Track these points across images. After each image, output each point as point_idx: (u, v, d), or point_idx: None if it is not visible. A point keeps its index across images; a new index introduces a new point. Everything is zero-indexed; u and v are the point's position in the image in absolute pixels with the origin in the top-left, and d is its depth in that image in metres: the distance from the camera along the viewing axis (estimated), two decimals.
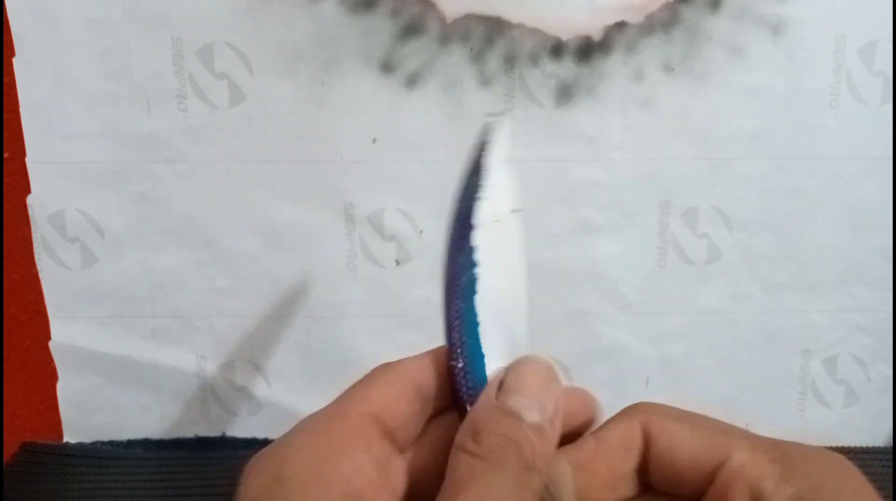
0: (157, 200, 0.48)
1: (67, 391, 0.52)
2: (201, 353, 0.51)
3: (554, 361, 0.25)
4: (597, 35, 0.46)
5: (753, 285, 0.50)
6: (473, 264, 0.24)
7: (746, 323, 0.50)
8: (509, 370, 0.23)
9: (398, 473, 0.23)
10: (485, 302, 0.24)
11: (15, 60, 0.46)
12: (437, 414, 0.25)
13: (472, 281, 0.24)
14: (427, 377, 0.24)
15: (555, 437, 0.22)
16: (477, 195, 0.25)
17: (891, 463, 0.51)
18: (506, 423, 0.22)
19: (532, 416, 0.22)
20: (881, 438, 0.53)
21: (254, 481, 0.21)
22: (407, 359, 0.25)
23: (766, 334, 0.51)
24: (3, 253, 0.48)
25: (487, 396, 0.23)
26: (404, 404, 0.23)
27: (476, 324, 0.24)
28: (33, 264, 0.49)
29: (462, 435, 0.22)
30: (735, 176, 0.48)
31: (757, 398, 0.52)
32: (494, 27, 0.46)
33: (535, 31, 0.46)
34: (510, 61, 0.46)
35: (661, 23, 0.46)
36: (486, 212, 0.25)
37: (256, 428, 0.52)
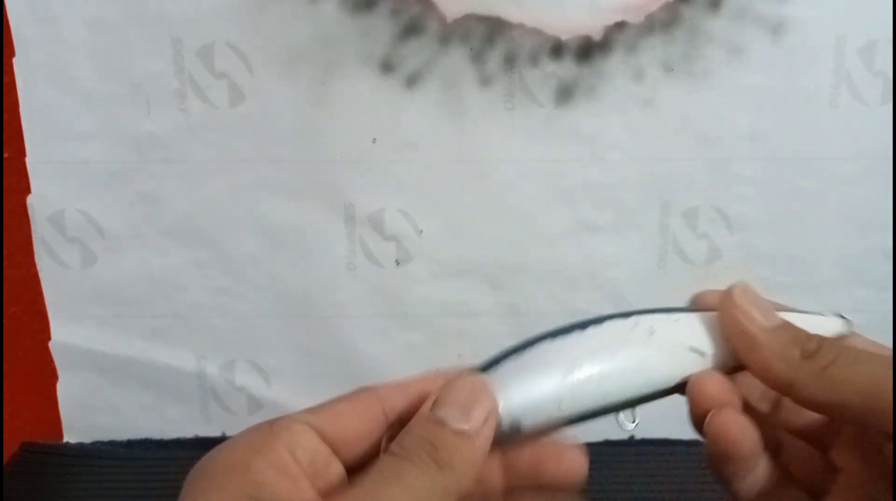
0: (158, 200, 0.48)
1: (67, 390, 0.52)
2: (201, 353, 0.51)
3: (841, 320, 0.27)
4: (597, 35, 0.46)
5: (753, 285, 0.50)
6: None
7: None
8: (444, 386, 0.25)
9: (334, 478, 0.25)
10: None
11: (15, 60, 0.46)
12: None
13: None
14: (399, 402, 0.27)
15: (481, 441, 0.24)
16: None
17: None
18: (429, 428, 0.24)
19: (456, 423, 0.23)
20: None
21: (190, 474, 0.23)
22: (390, 383, 0.27)
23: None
24: (4, 253, 0.48)
25: (423, 409, 0.25)
26: (355, 420, 0.26)
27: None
28: (33, 264, 0.49)
29: (392, 443, 0.24)
30: (735, 176, 0.48)
31: None
32: (494, 27, 0.46)
33: (535, 31, 0.46)
34: (510, 61, 0.46)
35: (662, 23, 0.46)
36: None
37: None
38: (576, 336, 0.26)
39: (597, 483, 0.48)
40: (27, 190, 0.48)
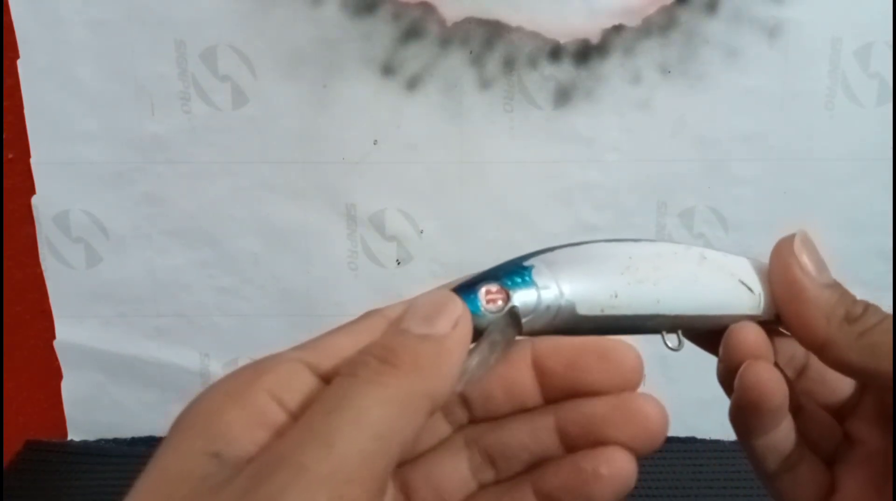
0: (161, 200, 0.49)
1: (72, 389, 0.52)
2: (204, 351, 0.51)
3: None
4: (595, 38, 0.46)
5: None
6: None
7: None
8: (410, 302, 0.23)
9: None
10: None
11: (20, 63, 0.46)
12: None
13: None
14: None
15: (451, 344, 0.21)
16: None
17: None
18: (387, 338, 0.21)
19: (419, 329, 0.21)
20: None
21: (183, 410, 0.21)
22: (400, 303, 0.24)
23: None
24: (9, 253, 0.48)
25: (388, 329, 0.22)
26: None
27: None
28: (38, 264, 0.49)
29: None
30: (731, 177, 0.49)
31: None
32: (494, 31, 0.46)
33: (534, 35, 0.46)
34: (509, 64, 0.46)
35: (658, 26, 0.46)
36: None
37: None
38: (631, 244, 0.26)
39: None
40: (32, 191, 0.48)
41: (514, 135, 0.48)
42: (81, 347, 0.51)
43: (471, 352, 0.22)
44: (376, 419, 0.19)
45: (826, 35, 0.46)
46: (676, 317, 0.25)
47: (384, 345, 0.21)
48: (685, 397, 0.52)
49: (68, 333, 0.51)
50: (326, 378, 0.21)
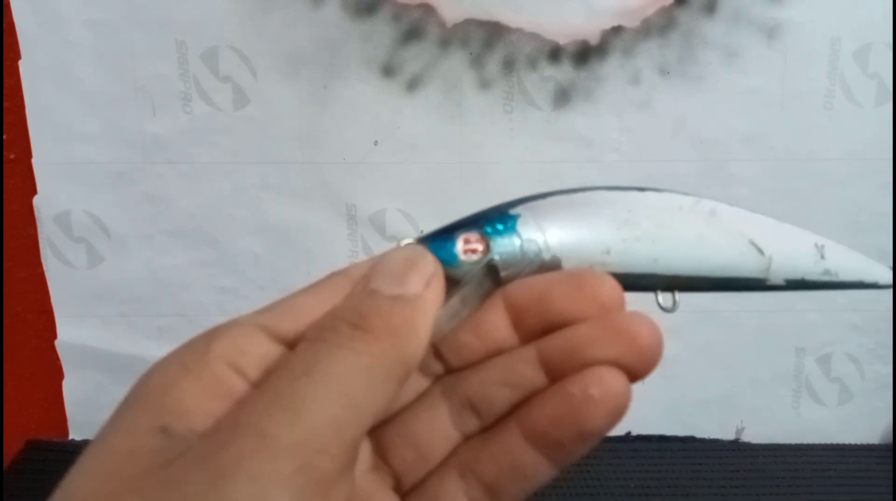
0: (162, 200, 0.49)
1: (73, 389, 0.52)
2: None
3: None
4: (594, 39, 0.46)
5: None
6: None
7: (741, 322, 0.51)
8: (377, 259, 0.22)
9: None
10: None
11: (21, 63, 0.46)
12: None
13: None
14: None
15: (424, 305, 0.20)
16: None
17: (884, 460, 0.51)
18: (355, 300, 0.20)
19: (390, 289, 0.20)
20: (875, 435, 0.53)
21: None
22: (364, 262, 0.22)
23: (761, 332, 0.51)
24: (11, 253, 0.48)
25: (356, 289, 0.21)
26: (321, 311, 0.20)
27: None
28: (39, 264, 0.50)
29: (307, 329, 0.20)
30: (730, 178, 0.49)
31: (752, 397, 0.52)
32: (493, 32, 0.46)
33: (534, 36, 0.46)
34: (509, 65, 0.47)
35: (658, 27, 0.46)
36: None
37: None
38: (634, 194, 0.24)
39: (594, 478, 0.48)
40: (33, 191, 0.48)
41: (514, 135, 0.48)
42: (83, 347, 0.51)
43: (443, 304, 0.21)
44: (349, 387, 0.18)
45: (825, 35, 0.46)
46: (674, 277, 0.24)
47: (354, 308, 0.19)
48: (683, 396, 0.52)
49: (69, 333, 0.51)
50: (287, 343, 0.20)
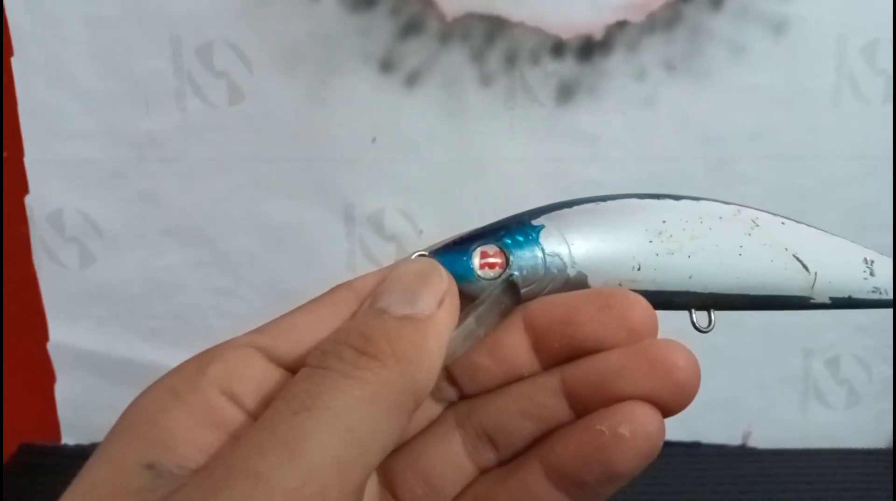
0: (156, 199, 0.48)
1: (66, 391, 0.52)
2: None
3: None
4: (598, 34, 0.46)
5: None
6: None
7: (748, 323, 0.50)
8: (385, 272, 0.20)
9: None
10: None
11: (14, 60, 0.46)
12: None
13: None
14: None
15: (437, 326, 0.18)
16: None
17: (890, 465, 0.51)
18: (362, 321, 0.18)
19: (399, 309, 0.18)
20: (882, 439, 0.53)
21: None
22: (372, 274, 0.20)
23: (767, 334, 0.51)
24: (2, 253, 0.48)
25: (362, 307, 0.19)
26: (324, 330, 0.19)
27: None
28: (31, 265, 0.49)
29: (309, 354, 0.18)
30: (736, 175, 0.48)
31: (759, 399, 0.52)
32: (495, 26, 0.45)
33: (536, 30, 0.46)
34: (511, 60, 0.46)
35: (663, 21, 0.46)
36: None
37: None
38: (668, 202, 0.22)
39: None
40: (25, 190, 0.48)
41: (516, 132, 0.47)
42: (75, 349, 0.51)
43: (457, 324, 0.19)
44: (354, 421, 0.16)
45: (832, 31, 0.46)
46: (710, 295, 0.22)
47: (361, 331, 0.18)
48: None
49: (62, 334, 0.51)
50: (288, 366, 0.18)
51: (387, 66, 0.46)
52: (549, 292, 0.21)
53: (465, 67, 0.46)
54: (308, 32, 0.46)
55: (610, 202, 0.22)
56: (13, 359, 0.50)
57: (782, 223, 0.23)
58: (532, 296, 0.21)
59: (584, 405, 0.19)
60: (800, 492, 0.48)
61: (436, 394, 0.21)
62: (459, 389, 0.21)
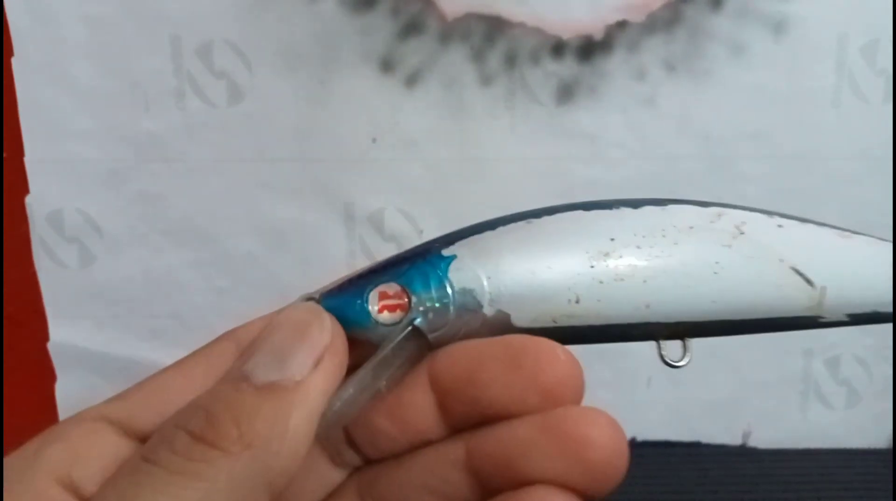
0: (156, 199, 0.48)
1: (66, 391, 0.51)
2: None
3: None
4: (598, 34, 0.46)
5: None
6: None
7: None
8: (268, 320, 0.16)
9: None
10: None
11: (13, 59, 0.46)
12: None
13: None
14: None
15: (307, 394, 0.15)
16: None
17: (891, 465, 0.51)
18: (218, 396, 0.15)
19: (264, 375, 0.15)
20: (883, 440, 0.53)
21: None
22: (257, 321, 0.17)
23: (767, 334, 0.51)
24: (1, 253, 0.48)
25: (228, 370, 0.16)
26: (194, 393, 0.17)
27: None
28: (31, 264, 0.49)
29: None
30: (737, 175, 0.48)
31: (759, 399, 0.52)
32: (495, 26, 0.45)
33: (536, 31, 0.46)
34: (511, 60, 0.46)
35: (663, 21, 0.46)
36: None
37: None
38: (622, 212, 0.18)
39: None
40: (25, 189, 0.48)
41: (516, 132, 0.47)
42: (76, 348, 0.51)
43: (346, 380, 0.16)
44: None
45: (832, 31, 0.46)
46: (677, 324, 0.18)
47: (206, 409, 0.15)
48: (689, 399, 0.52)
49: (62, 334, 0.51)
50: (144, 434, 0.15)
51: (387, 66, 0.46)
52: (465, 336, 0.17)
53: (465, 66, 0.46)
54: (308, 32, 0.45)
55: (545, 219, 0.18)
56: (13, 359, 0.49)
57: (779, 226, 0.19)
58: (445, 341, 0.17)
59: (491, 484, 0.16)
60: (800, 492, 0.48)
61: (336, 459, 0.19)
62: (362, 454, 0.19)
